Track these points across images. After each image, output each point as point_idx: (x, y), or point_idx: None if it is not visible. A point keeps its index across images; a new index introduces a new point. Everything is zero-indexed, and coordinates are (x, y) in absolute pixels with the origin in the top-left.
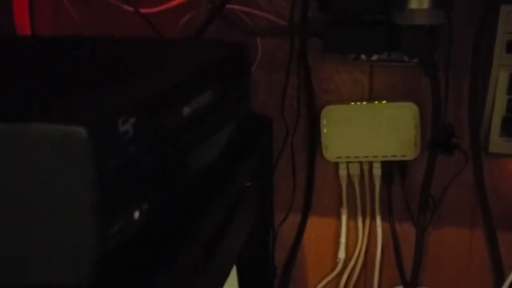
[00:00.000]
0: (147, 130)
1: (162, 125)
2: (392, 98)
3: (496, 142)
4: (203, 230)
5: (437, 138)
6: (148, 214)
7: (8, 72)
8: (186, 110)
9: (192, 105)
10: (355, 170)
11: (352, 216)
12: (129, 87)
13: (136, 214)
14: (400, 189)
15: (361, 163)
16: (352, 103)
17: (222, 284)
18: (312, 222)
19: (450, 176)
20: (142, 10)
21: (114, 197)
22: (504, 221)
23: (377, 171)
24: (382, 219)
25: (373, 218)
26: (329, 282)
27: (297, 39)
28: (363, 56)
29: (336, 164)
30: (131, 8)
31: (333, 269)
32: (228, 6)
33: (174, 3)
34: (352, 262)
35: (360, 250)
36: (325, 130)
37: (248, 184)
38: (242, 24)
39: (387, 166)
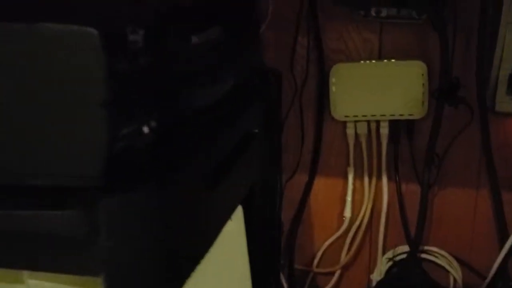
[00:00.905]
0: (156, 45)
1: (171, 45)
2: (401, 57)
3: (503, 101)
4: (211, 155)
5: (443, 88)
6: (156, 132)
7: None
8: (194, 39)
9: (200, 36)
10: (362, 129)
11: (358, 175)
12: (138, 2)
13: (145, 129)
14: (406, 148)
15: (368, 122)
16: (361, 62)
17: (227, 216)
18: (319, 181)
19: (456, 134)
20: None
21: (123, 100)
22: (509, 179)
23: (384, 130)
24: (389, 178)
25: (379, 177)
26: (335, 240)
27: None
28: (372, 12)
29: (344, 123)
30: None
31: (339, 228)
32: None
33: None
34: (358, 221)
35: (366, 208)
36: (333, 89)
37: (256, 130)
38: None
39: (394, 125)
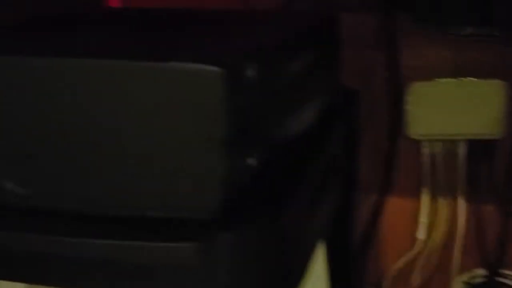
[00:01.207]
0: (268, 79)
1: (279, 76)
2: (478, 75)
3: None
4: (307, 183)
5: None
6: (262, 164)
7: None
8: (293, 67)
9: (296, 64)
10: (438, 148)
11: (433, 196)
12: (251, 40)
13: (253, 161)
14: (485, 169)
15: (445, 141)
16: (439, 80)
17: (320, 239)
18: (392, 201)
19: None
20: None
21: (239, 135)
22: None
23: (461, 150)
24: (466, 199)
25: (455, 198)
26: (407, 262)
27: (381, 14)
28: (453, 31)
29: (419, 142)
30: None
31: (411, 249)
32: None
33: None
34: (432, 242)
35: (440, 231)
36: (409, 107)
37: (338, 153)
38: None
39: (472, 145)
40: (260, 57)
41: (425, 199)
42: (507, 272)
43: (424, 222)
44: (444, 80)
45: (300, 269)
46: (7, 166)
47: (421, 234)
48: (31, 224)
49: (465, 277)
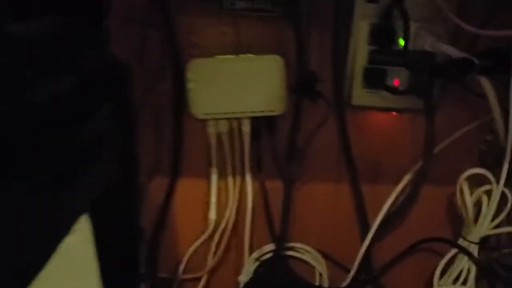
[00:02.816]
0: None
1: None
2: (258, 51)
3: (359, 94)
4: (51, 160)
5: (300, 83)
6: None
7: None
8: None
9: (31, 24)
10: (223, 127)
11: (222, 175)
12: None
13: None
14: (268, 146)
15: (229, 119)
16: (218, 57)
17: (68, 228)
18: (181, 183)
19: (315, 128)
20: None
21: None
22: (368, 172)
23: (245, 127)
24: (252, 177)
25: (243, 176)
26: (201, 244)
27: None
28: (227, 4)
29: (204, 122)
30: None
31: (204, 231)
32: None
33: None
34: (224, 223)
35: (231, 209)
36: (191, 85)
37: (104, 131)
38: None
39: (255, 122)
40: None
41: (213, 179)
42: (292, 244)
43: (214, 203)
44: (223, 57)
45: (28, 256)
46: None
47: (212, 214)
48: None
49: (256, 254)
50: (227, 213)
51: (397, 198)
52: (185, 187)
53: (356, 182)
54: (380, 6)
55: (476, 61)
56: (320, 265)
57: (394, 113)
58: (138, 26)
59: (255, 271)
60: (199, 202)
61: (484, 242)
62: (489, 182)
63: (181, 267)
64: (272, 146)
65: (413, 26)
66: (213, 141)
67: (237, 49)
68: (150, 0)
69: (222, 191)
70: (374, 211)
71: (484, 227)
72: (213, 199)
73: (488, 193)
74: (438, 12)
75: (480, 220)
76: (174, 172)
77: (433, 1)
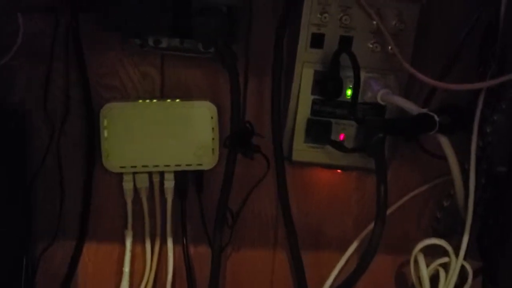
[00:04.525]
0: None
1: None
2: (186, 96)
3: (301, 149)
4: None
5: (235, 135)
6: None
7: None
8: None
9: None
10: (143, 182)
11: (139, 239)
12: None
13: None
14: (195, 205)
15: (150, 173)
16: (140, 101)
17: None
18: (89, 249)
19: (251, 187)
20: None
21: None
22: (309, 238)
23: (169, 183)
24: (175, 241)
25: (163, 241)
26: None
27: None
28: (150, 43)
29: (120, 176)
30: None
31: None
32: None
33: None
34: None
35: (148, 280)
36: (105, 134)
37: None
38: None
39: (180, 177)
40: None
41: (128, 244)
42: None
43: (127, 273)
44: (145, 101)
45: None
46: None
47: (124, 286)
48: None
49: None
50: (143, 284)
51: (342, 269)
52: (94, 254)
53: (296, 249)
54: (325, 51)
55: (437, 118)
56: None
57: (339, 171)
58: (43, 63)
59: None
60: (109, 272)
61: None
62: (446, 254)
63: None
64: (200, 206)
65: (362, 75)
66: (129, 198)
67: (162, 93)
68: (58, 33)
69: (138, 258)
70: (315, 282)
71: None
72: (126, 268)
73: (445, 266)
74: (390, 61)
75: None
76: (81, 236)
77: (384, 48)
